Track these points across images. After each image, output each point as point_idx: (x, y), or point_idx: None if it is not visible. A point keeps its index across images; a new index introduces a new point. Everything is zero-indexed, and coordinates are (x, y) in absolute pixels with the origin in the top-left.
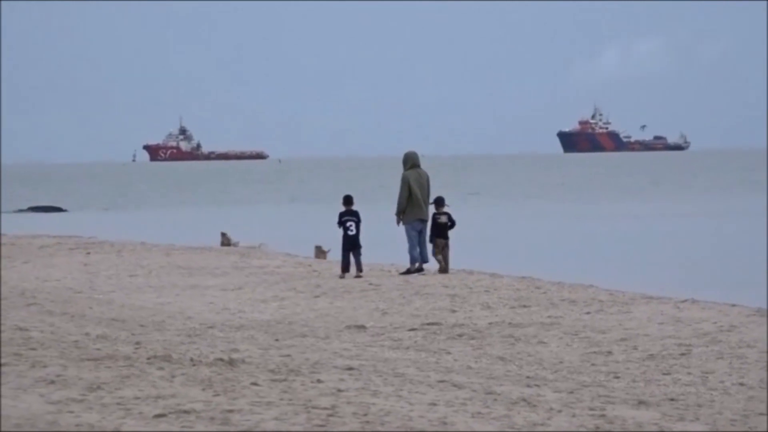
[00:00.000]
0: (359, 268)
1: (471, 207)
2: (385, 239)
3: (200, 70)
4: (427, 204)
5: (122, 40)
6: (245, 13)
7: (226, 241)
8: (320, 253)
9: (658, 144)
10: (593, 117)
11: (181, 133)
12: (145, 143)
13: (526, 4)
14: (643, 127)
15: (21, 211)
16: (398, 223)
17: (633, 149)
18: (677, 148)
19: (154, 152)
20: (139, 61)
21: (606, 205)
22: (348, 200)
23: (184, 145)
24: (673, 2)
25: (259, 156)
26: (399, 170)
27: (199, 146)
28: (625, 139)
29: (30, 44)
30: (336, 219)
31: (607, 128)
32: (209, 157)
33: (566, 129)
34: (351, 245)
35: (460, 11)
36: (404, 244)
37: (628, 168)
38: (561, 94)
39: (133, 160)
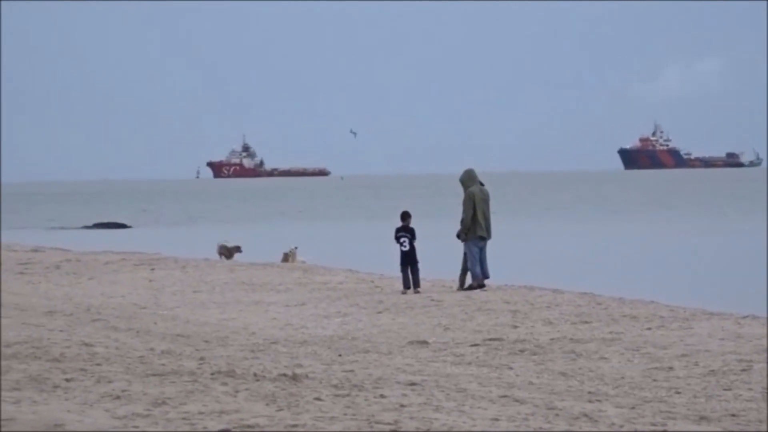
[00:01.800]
0: (416, 284)
1: (534, 224)
2: (447, 255)
3: (264, 87)
4: (489, 221)
5: (187, 57)
6: (308, 32)
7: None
8: (287, 257)
9: (719, 161)
10: (654, 134)
11: (244, 150)
12: (208, 160)
13: (588, 21)
14: (353, 133)
15: (86, 227)
16: (464, 240)
17: (693, 166)
18: (737, 165)
19: (218, 169)
20: (204, 78)
21: (666, 221)
22: (404, 216)
23: (247, 162)
24: (732, 22)
25: (322, 173)
26: (452, 187)
27: (262, 163)
28: (685, 156)
29: (98, 61)
30: (392, 235)
31: (667, 145)
32: (272, 174)
33: (627, 146)
34: (407, 261)
35: (522, 26)
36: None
37: (690, 185)
38: (622, 111)
39: (197, 177)
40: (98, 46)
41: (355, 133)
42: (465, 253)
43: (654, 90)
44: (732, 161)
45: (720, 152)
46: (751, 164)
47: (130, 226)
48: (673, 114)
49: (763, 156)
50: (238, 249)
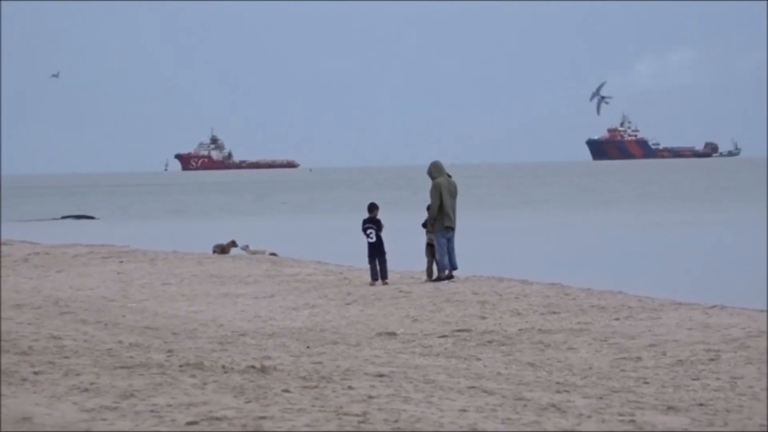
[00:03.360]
0: (384, 275)
1: (502, 215)
2: (415, 247)
3: (232, 79)
4: (455, 212)
5: (154, 50)
6: (276, 24)
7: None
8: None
9: (687, 151)
10: (622, 125)
11: (212, 143)
12: (176, 153)
13: (560, 13)
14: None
15: (54, 219)
16: (430, 231)
17: (662, 156)
18: (705, 155)
19: (186, 161)
20: (171, 71)
21: (635, 212)
22: (371, 208)
23: (216, 155)
24: (706, 14)
25: (290, 165)
26: (420, 180)
27: (230, 155)
28: (653, 146)
29: (62, 55)
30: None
31: (635, 136)
32: (240, 166)
33: (595, 137)
34: (374, 252)
35: (492, 18)
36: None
37: (658, 176)
38: (593, 104)
39: (165, 170)
40: (66, 39)
41: (56, 75)
42: (428, 244)
43: (626, 82)
44: (701, 152)
45: (694, 143)
46: (730, 154)
47: (96, 218)
48: (646, 106)
49: (741, 146)
50: (233, 244)
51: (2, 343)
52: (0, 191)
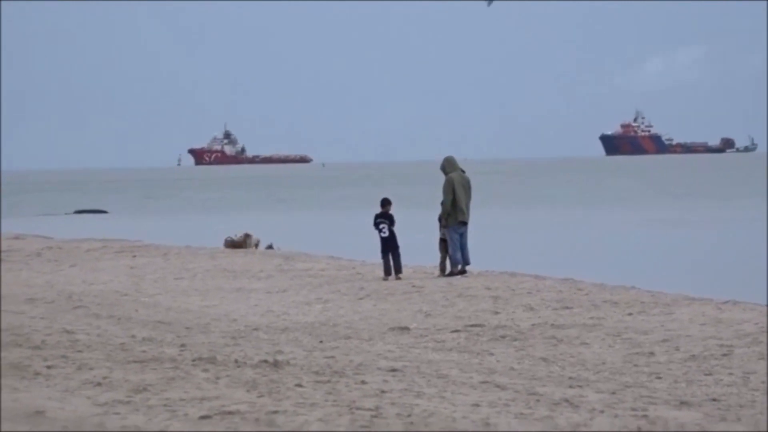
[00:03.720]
0: (398, 270)
1: (515, 211)
2: (427, 242)
3: (246, 74)
4: (468, 207)
5: (167, 45)
6: (281, 23)
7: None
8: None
9: (699, 147)
10: (635, 120)
11: (225, 138)
12: (190, 147)
13: (566, 14)
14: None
15: (67, 214)
16: (444, 225)
17: (675, 152)
18: (718, 150)
19: (199, 156)
20: (185, 66)
21: (647, 208)
22: (384, 203)
23: (229, 149)
24: (714, 12)
25: (303, 160)
26: (434, 175)
27: (243, 150)
28: (666, 142)
29: (77, 50)
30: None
31: (649, 131)
32: (253, 161)
33: (608, 132)
34: (387, 247)
35: (493, 18)
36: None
37: (671, 171)
38: (605, 100)
39: (179, 164)
40: (79, 33)
41: None
42: (441, 239)
43: (637, 79)
44: (715, 147)
45: (707, 139)
46: (746, 149)
47: (107, 212)
48: (655, 103)
49: (758, 141)
50: (248, 236)
51: (15, 338)
52: (0, 186)
